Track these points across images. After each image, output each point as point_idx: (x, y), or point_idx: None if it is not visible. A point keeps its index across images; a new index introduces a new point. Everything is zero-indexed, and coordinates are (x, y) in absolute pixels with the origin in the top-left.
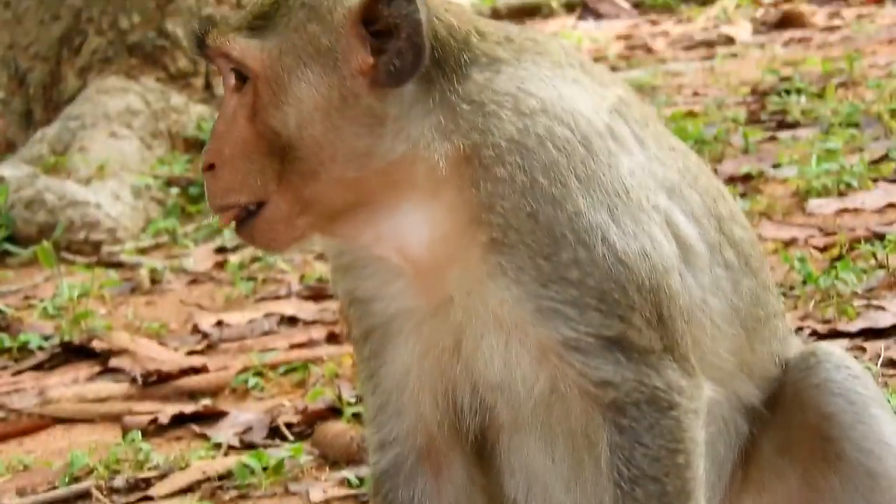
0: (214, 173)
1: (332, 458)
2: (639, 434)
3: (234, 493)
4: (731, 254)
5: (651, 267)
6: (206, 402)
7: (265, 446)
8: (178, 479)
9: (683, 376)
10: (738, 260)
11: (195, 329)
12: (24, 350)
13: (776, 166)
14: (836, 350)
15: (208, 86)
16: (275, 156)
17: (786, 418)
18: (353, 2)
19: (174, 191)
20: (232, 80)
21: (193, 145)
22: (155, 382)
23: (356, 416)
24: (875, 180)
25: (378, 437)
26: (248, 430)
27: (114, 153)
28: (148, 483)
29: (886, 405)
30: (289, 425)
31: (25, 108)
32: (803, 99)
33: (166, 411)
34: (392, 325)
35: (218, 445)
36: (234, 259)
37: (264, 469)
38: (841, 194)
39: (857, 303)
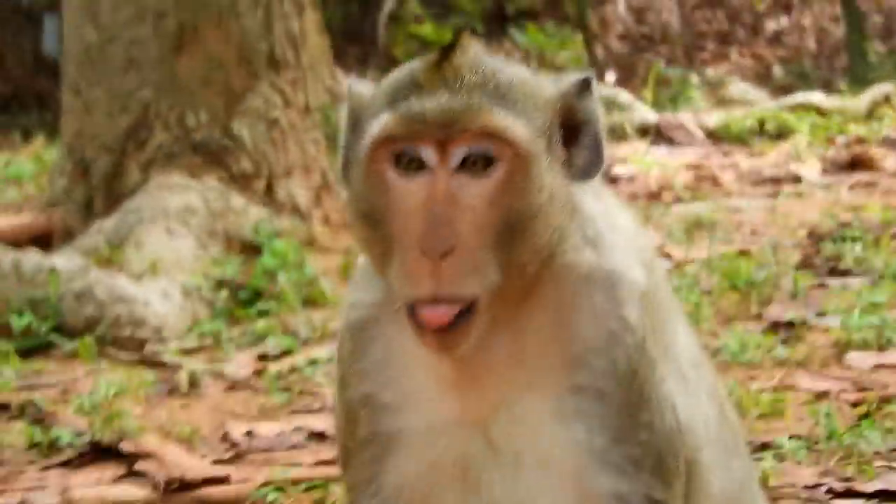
0: (451, 261)
1: None
2: None
3: None
4: (729, 436)
5: (695, 440)
6: None
7: None
8: None
9: None
10: (732, 442)
11: (225, 437)
12: (54, 446)
13: (820, 314)
14: None
15: (269, 189)
16: (501, 248)
17: None
18: (551, 91)
19: (224, 293)
20: (457, 162)
21: (249, 248)
22: (177, 490)
23: None
24: None
25: None
26: None
27: (168, 250)
28: None
29: None
30: None
31: (87, 198)
32: (858, 247)
33: None
34: (401, 435)
35: None
36: (273, 368)
37: None
38: (881, 348)
39: (878, 463)
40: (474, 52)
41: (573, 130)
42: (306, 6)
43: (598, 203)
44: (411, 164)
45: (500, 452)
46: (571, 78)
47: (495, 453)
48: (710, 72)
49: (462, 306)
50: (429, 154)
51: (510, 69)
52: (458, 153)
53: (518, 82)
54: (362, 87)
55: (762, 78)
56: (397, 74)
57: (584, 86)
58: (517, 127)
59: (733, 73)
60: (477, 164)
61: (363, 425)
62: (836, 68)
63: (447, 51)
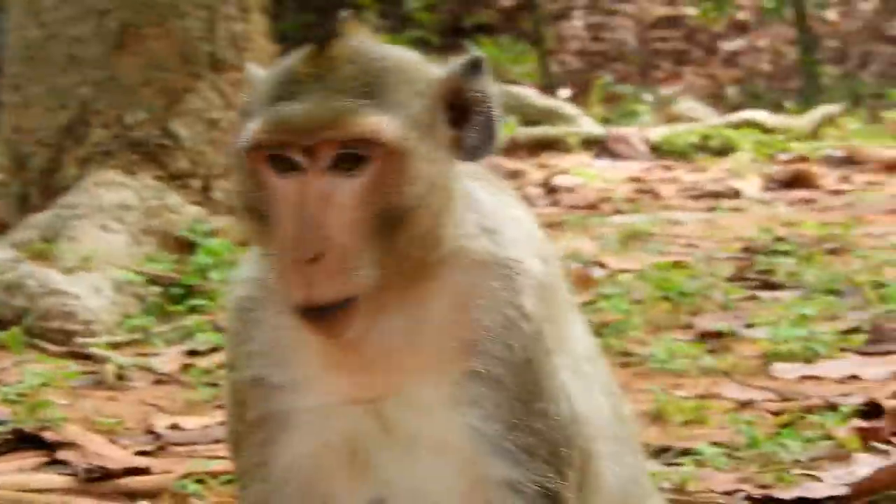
0: (323, 264)
1: None
2: None
3: None
4: (622, 430)
5: (589, 431)
6: (145, 503)
7: None
8: None
9: None
10: (624, 438)
11: (149, 429)
12: None
13: (749, 326)
14: None
15: (206, 188)
16: (379, 242)
17: None
18: (436, 74)
19: (156, 289)
20: (327, 163)
21: (184, 246)
22: (97, 479)
23: None
24: (844, 350)
25: None
26: None
27: (102, 246)
28: None
29: None
30: None
31: (23, 193)
32: (792, 261)
33: None
34: (294, 416)
35: None
36: (201, 363)
37: None
38: (807, 361)
39: (796, 471)
40: (353, 43)
41: (463, 111)
42: (253, 9)
43: (495, 195)
44: (285, 164)
45: (392, 434)
46: (459, 59)
47: (388, 435)
48: (664, 91)
49: (339, 311)
50: (298, 157)
51: (391, 57)
52: (326, 155)
53: (397, 71)
54: (258, 76)
55: (716, 98)
56: (278, 68)
57: (475, 66)
58: (387, 126)
59: (687, 92)
60: (348, 163)
61: (252, 408)
62: (789, 90)
63: (324, 42)
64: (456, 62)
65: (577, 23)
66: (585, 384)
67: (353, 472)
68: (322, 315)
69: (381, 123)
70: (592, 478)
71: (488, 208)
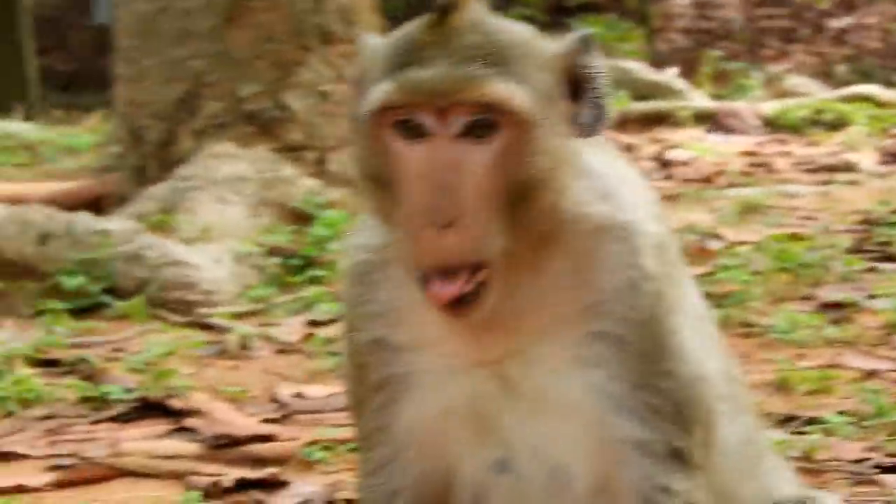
0: (455, 231)
1: None
2: None
3: None
4: (733, 389)
5: (712, 389)
6: (272, 470)
7: None
8: None
9: (708, 497)
10: (736, 396)
11: (273, 398)
12: (104, 401)
13: (871, 297)
14: (828, 500)
15: (321, 160)
16: (505, 211)
17: None
18: (553, 49)
19: (275, 260)
20: (457, 129)
21: (300, 217)
22: (224, 446)
23: None
24: None
25: (387, 488)
26: (307, 501)
27: (219, 217)
28: None
29: None
30: (347, 501)
31: (139, 165)
32: None
33: (230, 475)
34: (415, 377)
35: None
36: (322, 333)
37: None
38: None
39: None
40: (474, 12)
41: (576, 87)
42: None
43: (606, 160)
44: (413, 131)
45: (516, 395)
46: (573, 36)
47: (511, 396)
48: (772, 69)
49: (471, 277)
50: (429, 121)
51: (511, 30)
52: (458, 121)
53: (519, 44)
54: (375, 44)
55: (824, 76)
56: (398, 37)
57: (585, 43)
58: (518, 94)
59: (795, 70)
60: (479, 130)
61: (374, 370)
62: None
63: (445, 11)
64: (568, 38)
65: (682, 0)
66: (702, 343)
67: (477, 434)
68: (456, 302)
69: (514, 91)
70: (713, 436)
71: (604, 174)
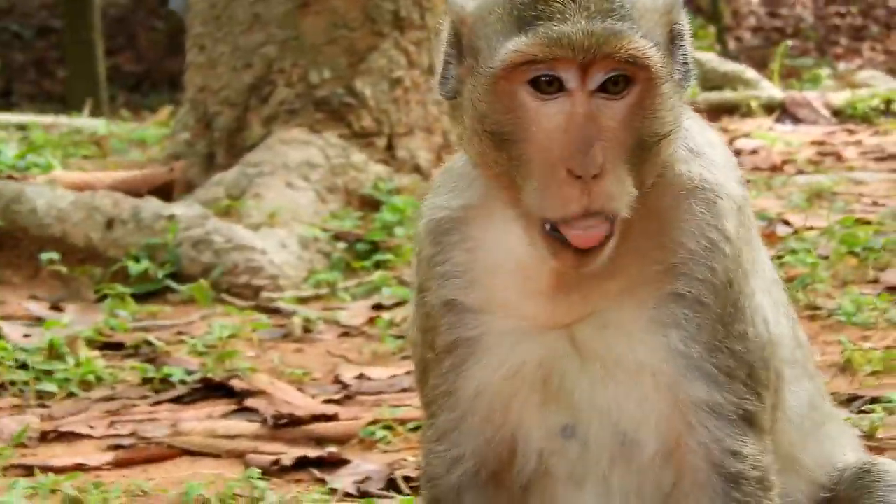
0: (601, 180)
1: None
2: None
3: None
4: (800, 354)
5: (781, 353)
6: (332, 449)
7: (379, 496)
8: None
9: (774, 461)
10: (803, 360)
11: (336, 379)
12: (166, 382)
13: None
14: (893, 467)
15: (390, 146)
16: (635, 164)
17: None
18: (662, 4)
19: (341, 245)
20: (595, 85)
21: (368, 203)
22: (285, 425)
23: None
24: None
25: (451, 454)
26: (367, 479)
27: (287, 203)
28: None
29: None
30: (407, 479)
31: (209, 152)
32: None
33: (291, 454)
34: (483, 340)
35: (333, 491)
36: (386, 316)
37: None
38: None
39: None
40: None
41: (671, 44)
42: None
43: (693, 120)
44: (549, 87)
45: (589, 358)
46: None
47: (582, 359)
48: (842, 66)
49: (609, 225)
50: (570, 77)
51: None
52: (598, 77)
53: (638, 5)
54: (465, 2)
55: (894, 73)
56: None
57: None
58: (652, 50)
59: (865, 67)
60: (613, 85)
61: (443, 333)
62: None
63: None
64: None
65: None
66: (774, 306)
67: (545, 399)
68: (587, 249)
69: (649, 46)
70: (781, 400)
71: (693, 134)
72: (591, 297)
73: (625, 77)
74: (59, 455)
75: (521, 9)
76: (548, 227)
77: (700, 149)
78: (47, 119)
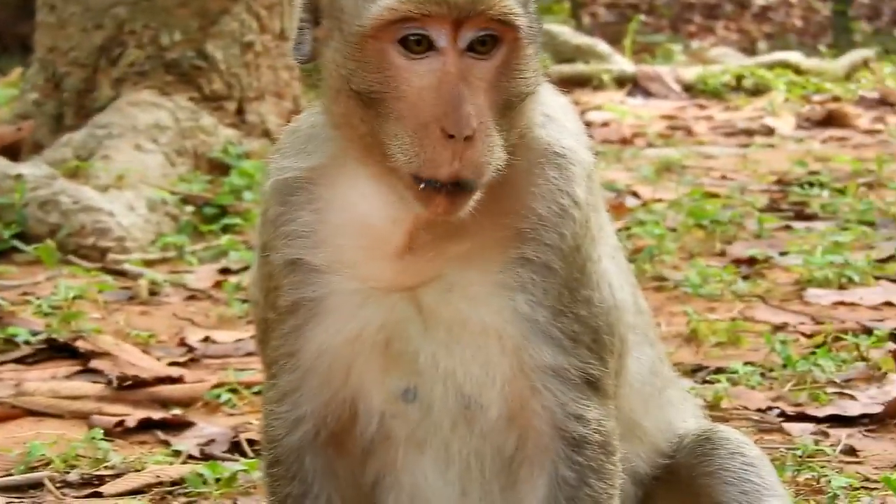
0: (474, 142)
1: None
2: (588, 473)
3: (183, 499)
4: (641, 321)
5: (626, 319)
6: (177, 411)
7: (223, 459)
8: (131, 481)
9: (617, 426)
10: (644, 328)
11: (182, 342)
12: (11, 343)
13: (783, 253)
14: (732, 435)
15: (240, 111)
16: (501, 127)
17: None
18: None
19: (189, 209)
20: (465, 44)
21: (217, 167)
22: (130, 387)
23: None
24: (878, 278)
25: (292, 415)
26: (211, 442)
27: (136, 165)
28: (101, 480)
29: (782, 493)
30: (251, 442)
31: (57, 112)
32: (826, 193)
33: (135, 415)
34: (326, 301)
35: (177, 453)
36: (233, 280)
37: (217, 480)
38: (841, 287)
39: (830, 390)
40: None
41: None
42: None
43: (542, 84)
44: (418, 45)
45: (432, 322)
46: None
47: (426, 322)
48: (695, 44)
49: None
50: (441, 35)
51: None
52: (468, 35)
53: None
54: None
55: (747, 52)
56: None
57: None
58: (521, 10)
59: (718, 45)
60: (480, 45)
61: (286, 293)
62: (821, 45)
63: None
64: None
65: None
66: (619, 272)
67: (386, 363)
68: (454, 192)
69: (519, 6)
70: (624, 365)
71: (545, 98)
72: (438, 260)
73: (492, 37)
74: None
75: None
76: (421, 184)
77: (554, 114)
78: None
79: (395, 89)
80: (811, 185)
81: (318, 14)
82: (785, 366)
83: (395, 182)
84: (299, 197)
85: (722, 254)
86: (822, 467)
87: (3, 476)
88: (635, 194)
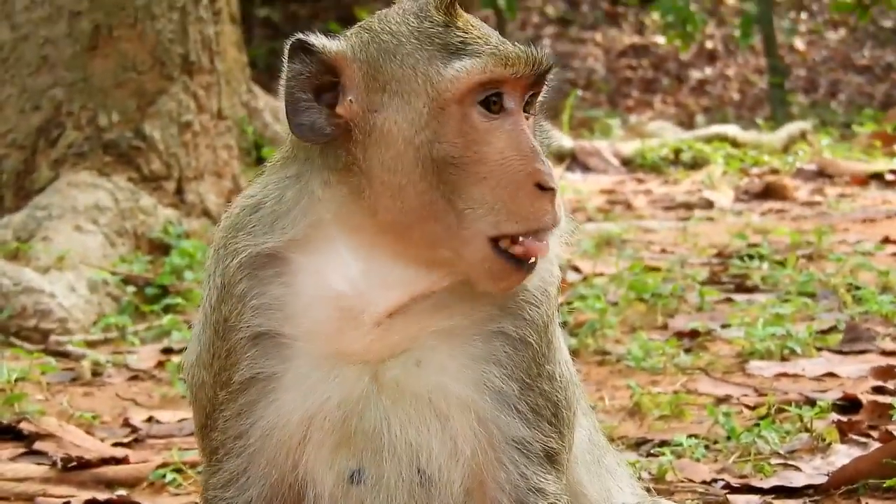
0: (557, 192)
1: None
2: None
3: None
4: (578, 391)
5: (578, 395)
6: (122, 492)
7: None
8: None
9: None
10: (579, 398)
11: (125, 422)
12: None
13: (725, 326)
14: None
15: (179, 190)
16: None
17: None
18: None
19: (130, 289)
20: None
21: (157, 247)
22: (74, 468)
23: None
24: (820, 349)
25: (238, 500)
26: None
27: (76, 246)
28: None
29: None
30: None
31: None
32: (766, 266)
33: (80, 497)
34: (286, 377)
35: None
36: (176, 360)
37: None
38: (783, 359)
39: (775, 461)
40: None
41: None
42: (224, 16)
43: None
44: (494, 106)
45: (393, 397)
46: None
47: (387, 399)
48: (633, 118)
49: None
50: (514, 96)
51: None
52: (526, 96)
53: None
54: (328, 43)
55: (685, 126)
56: (410, 22)
57: None
58: None
59: (656, 119)
60: (527, 105)
61: (243, 368)
62: (758, 118)
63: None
64: None
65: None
66: (564, 348)
67: (339, 442)
68: (543, 247)
69: None
70: (573, 439)
71: None
72: (411, 332)
73: (536, 97)
74: None
75: (441, 36)
76: (502, 246)
77: None
78: None
79: (477, 152)
80: (751, 257)
81: (321, 91)
82: (729, 438)
83: (471, 252)
84: (268, 271)
85: (664, 327)
86: None
87: None
88: (576, 269)
